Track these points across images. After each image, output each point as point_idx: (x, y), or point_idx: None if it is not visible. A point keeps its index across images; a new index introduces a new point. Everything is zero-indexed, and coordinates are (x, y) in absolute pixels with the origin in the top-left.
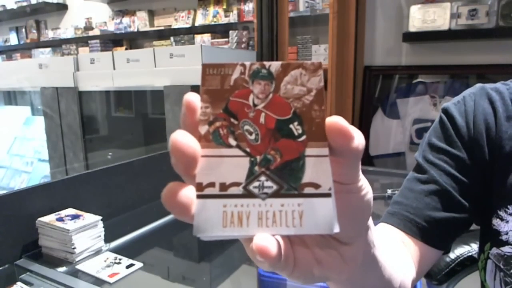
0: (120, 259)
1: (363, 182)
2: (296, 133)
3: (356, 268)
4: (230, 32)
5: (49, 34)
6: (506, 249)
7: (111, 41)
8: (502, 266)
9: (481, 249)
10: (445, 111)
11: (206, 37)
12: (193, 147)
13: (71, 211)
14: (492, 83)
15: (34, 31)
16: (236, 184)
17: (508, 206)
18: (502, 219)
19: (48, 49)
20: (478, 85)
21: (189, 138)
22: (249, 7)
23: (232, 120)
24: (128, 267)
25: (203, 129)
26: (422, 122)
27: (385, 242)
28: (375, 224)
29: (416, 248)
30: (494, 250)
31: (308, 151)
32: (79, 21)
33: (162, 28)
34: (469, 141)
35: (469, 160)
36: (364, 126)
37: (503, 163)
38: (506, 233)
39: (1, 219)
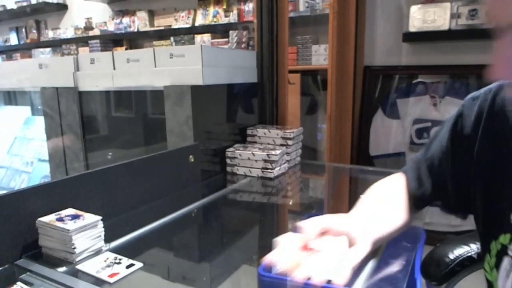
0: (120, 259)
1: None
2: None
3: None
4: (230, 32)
5: (49, 34)
6: None
7: (111, 41)
8: None
9: (487, 249)
10: (463, 106)
11: (206, 37)
12: None
13: (71, 211)
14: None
15: (34, 31)
16: None
17: None
18: None
19: (48, 49)
20: (498, 83)
21: None
22: (249, 7)
23: None
24: (128, 267)
25: None
26: (422, 122)
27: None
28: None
29: None
30: None
31: None
32: (79, 21)
33: (162, 28)
34: (483, 134)
35: (479, 153)
36: (364, 126)
37: None
38: None
39: (1, 219)
